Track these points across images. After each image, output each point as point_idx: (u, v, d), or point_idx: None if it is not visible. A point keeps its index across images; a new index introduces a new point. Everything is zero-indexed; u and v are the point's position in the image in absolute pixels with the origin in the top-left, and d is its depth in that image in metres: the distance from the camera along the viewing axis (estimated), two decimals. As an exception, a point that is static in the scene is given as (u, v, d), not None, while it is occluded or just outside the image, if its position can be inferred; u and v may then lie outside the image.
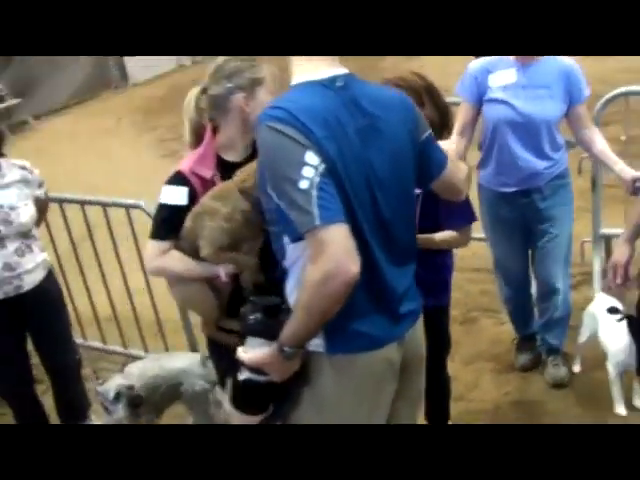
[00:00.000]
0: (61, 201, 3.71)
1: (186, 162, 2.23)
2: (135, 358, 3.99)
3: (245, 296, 1.94)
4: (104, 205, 3.61)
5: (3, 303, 3.06)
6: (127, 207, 3.54)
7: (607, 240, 4.01)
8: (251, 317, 1.85)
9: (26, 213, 3.06)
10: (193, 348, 3.71)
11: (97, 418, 3.45)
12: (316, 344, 1.81)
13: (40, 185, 3.19)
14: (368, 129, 1.74)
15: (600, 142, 3.09)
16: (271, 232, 1.86)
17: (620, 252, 2.48)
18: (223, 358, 2.41)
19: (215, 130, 2.25)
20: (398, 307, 1.88)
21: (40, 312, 3.21)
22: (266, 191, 1.70)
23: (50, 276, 3.25)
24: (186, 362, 3.15)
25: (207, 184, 2.21)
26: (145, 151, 8.08)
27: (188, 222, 2.18)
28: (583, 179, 3.90)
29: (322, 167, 1.61)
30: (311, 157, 1.60)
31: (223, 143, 2.24)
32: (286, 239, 1.75)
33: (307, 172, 1.59)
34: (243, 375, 1.89)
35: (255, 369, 1.84)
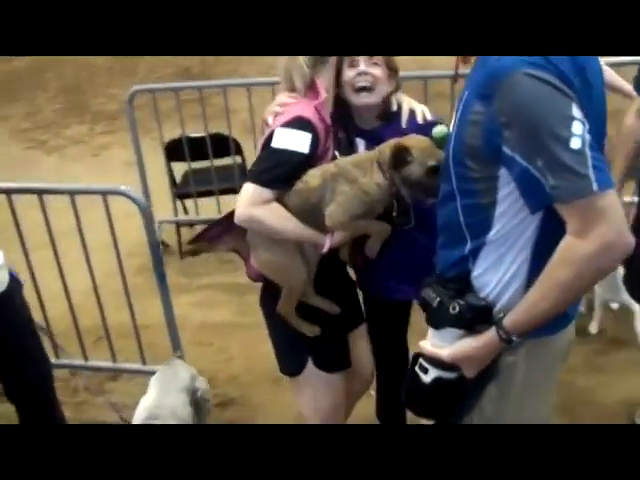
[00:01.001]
0: (10, 192, 3.08)
1: (304, 108, 2.01)
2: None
3: (427, 283, 1.67)
4: (71, 193, 3.04)
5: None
6: (104, 194, 3.02)
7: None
8: (453, 305, 1.57)
9: None
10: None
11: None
12: None
13: None
14: (581, 80, 1.49)
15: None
16: (467, 204, 1.58)
17: None
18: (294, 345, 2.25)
19: None
20: None
21: (7, 321, 2.65)
22: (488, 150, 1.45)
23: (13, 278, 2.70)
24: (185, 367, 2.81)
25: (328, 132, 2.04)
26: (4, 144, 7.16)
27: (316, 180, 1.98)
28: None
29: (586, 122, 1.37)
30: (577, 111, 1.36)
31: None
32: (500, 210, 1.51)
33: (577, 128, 1.34)
34: (431, 374, 1.64)
35: (448, 365, 1.61)
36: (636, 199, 3.23)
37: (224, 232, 2.21)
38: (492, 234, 1.55)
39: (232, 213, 2.04)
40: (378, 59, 2.17)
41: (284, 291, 2.14)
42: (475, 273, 1.61)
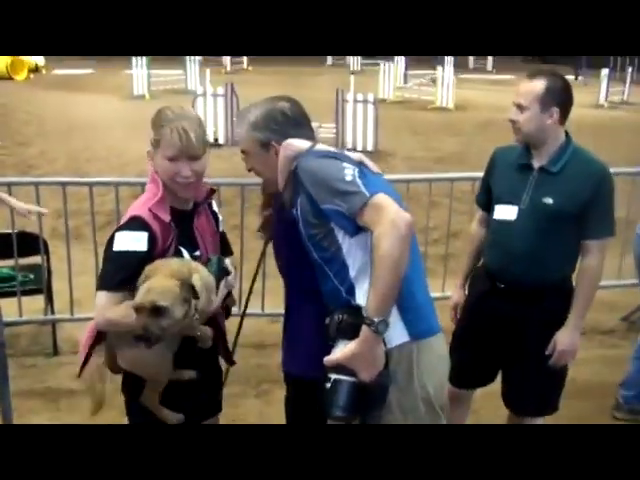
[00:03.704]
0: None
1: (139, 207, 2.19)
2: None
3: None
4: None
5: None
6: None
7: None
8: (337, 316, 2.02)
9: None
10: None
11: None
12: (398, 335, 2.05)
13: None
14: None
15: None
16: (326, 259, 2.10)
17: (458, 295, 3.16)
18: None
19: None
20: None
21: None
22: (317, 215, 2.06)
23: None
24: None
25: (166, 229, 2.17)
26: None
27: (142, 275, 2.07)
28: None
29: (356, 169, 2.06)
30: (347, 164, 2.07)
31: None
32: (345, 249, 2.07)
33: (348, 170, 2.04)
34: (331, 378, 1.97)
35: (344, 369, 1.95)
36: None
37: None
38: (351, 271, 2.09)
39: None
40: None
41: (148, 384, 2.21)
42: (361, 304, 2.03)
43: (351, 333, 1.96)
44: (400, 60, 18.06)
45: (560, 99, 2.68)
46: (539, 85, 2.65)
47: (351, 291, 2.08)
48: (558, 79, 2.69)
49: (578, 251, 2.80)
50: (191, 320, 2.11)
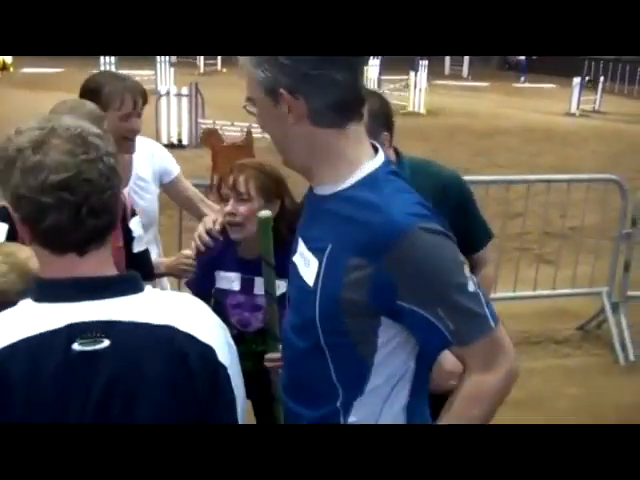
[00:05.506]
0: None
1: None
2: None
3: None
4: None
5: None
6: None
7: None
8: None
9: None
10: None
11: None
12: None
13: None
14: None
15: None
16: (339, 356, 1.45)
17: None
18: None
19: None
20: None
21: None
22: (384, 307, 1.38)
23: None
24: None
25: None
26: None
27: None
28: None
29: (468, 266, 1.40)
30: (461, 256, 1.39)
31: None
32: (379, 358, 1.43)
33: (467, 271, 1.37)
34: None
35: None
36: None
37: None
38: (370, 383, 1.46)
39: None
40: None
41: None
42: (349, 422, 1.48)
43: None
44: (374, 65, 18.05)
45: (389, 122, 2.21)
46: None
47: (348, 405, 1.46)
48: (377, 99, 2.21)
49: None
50: None
